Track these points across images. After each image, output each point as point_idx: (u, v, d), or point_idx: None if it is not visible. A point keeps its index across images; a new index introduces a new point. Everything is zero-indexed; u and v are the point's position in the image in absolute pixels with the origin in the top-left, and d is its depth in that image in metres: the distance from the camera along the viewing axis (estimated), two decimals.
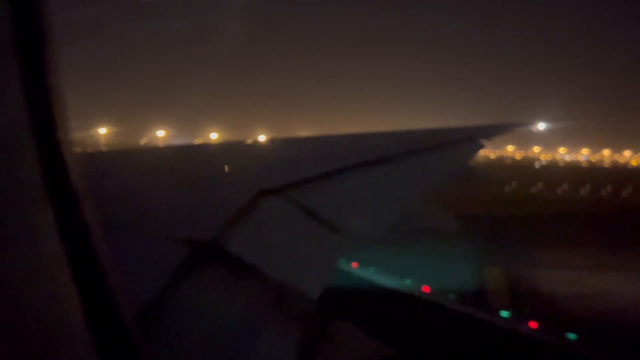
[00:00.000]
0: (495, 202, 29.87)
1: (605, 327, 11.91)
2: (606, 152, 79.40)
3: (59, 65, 1.26)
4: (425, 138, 4.91)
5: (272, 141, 7.44)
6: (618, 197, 38.16)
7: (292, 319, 1.99)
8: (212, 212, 2.39)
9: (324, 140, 5.50)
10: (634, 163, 73.81)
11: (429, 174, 3.89)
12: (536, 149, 78.73)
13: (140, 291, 1.60)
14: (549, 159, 76.65)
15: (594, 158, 78.35)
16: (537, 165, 68.32)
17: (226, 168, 3.45)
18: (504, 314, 12.65)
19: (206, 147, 5.68)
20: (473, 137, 5.26)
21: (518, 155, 76.00)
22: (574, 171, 55.55)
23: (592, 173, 55.10)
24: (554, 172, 53.48)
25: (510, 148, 76.58)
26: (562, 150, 78.37)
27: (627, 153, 77.86)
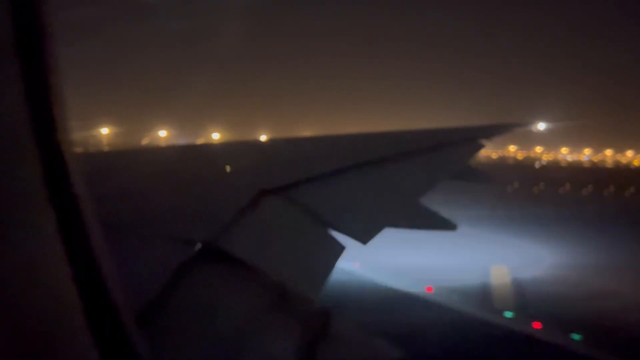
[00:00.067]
0: (497, 202, 29.83)
1: (609, 327, 11.88)
2: (608, 152, 79.31)
3: (61, 66, 1.26)
4: (425, 138, 4.90)
5: (272, 141, 7.44)
6: (620, 197, 38.10)
7: (293, 319, 1.99)
8: (212, 212, 2.39)
9: (324, 141, 5.50)
10: (636, 163, 73.72)
11: (429, 174, 3.89)
12: (538, 149, 78.69)
13: (140, 291, 1.60)
14: (551, 159, 76.61)
15: (597, 158, 78.26)
16: (536, 165, 68.24)
17: (228, 169, 3.46)
18: (508, 314, 12.63)
19: (206, 148, 5.69)
20: (473, 137, 5.25)
21: (520, 155, 75.94)
22: (576, 171, 55.48)
23: (595, 173, 55.01)
24: (556, 172, 53.42)
25: (512, 148, 76.57)
26: (564, 150, 78.33)
27: (629, 153, 77.77)
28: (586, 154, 78.69)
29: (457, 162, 4.66)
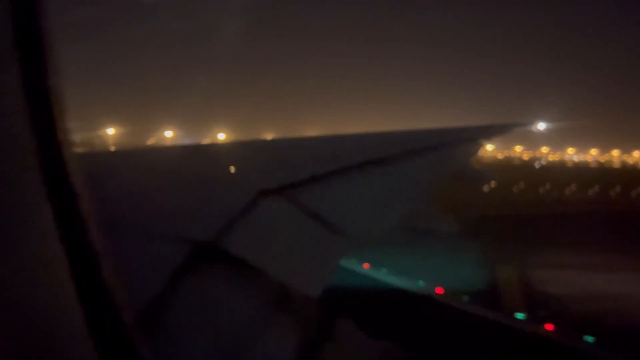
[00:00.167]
0: (503, 203, 29.75)
1: (622, 329, 11.78)
2: (615, 153, 78.86)
3: (68, 66, 1.27)
4: (425, 138, 4.90)
5: (272, 141, 7.44)
6: (628, 198, 37.90)
7: (294, 319, 1.99)
8: (212, 212, 2.40)
9: (324, 141, 5.50)
10: None
11: (429, 174, 3.89)
12: (544, 149, 78.37)
13: (140, 291, 1.60)
14: (557, 159, 76.26)
15: (603, 158, 77.84)
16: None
17: (232, 169, 3.46)
18: (520, 316, 12.55)
19: (206, 148, 5.70)
20: (473, 137, 5.24)
21: (526, 156, 75.62)
22: (582, 172, 55.23)
23: (601, 174, 54.74)
24: (562, 173, 53.18)
25: (518, 148, 76.27)
26: (570, 150, 77.93)
27: (636, 154, 77.29)
28: (593, 154, 78.28)
29: (458, 162, 4.66)
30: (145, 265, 1.83)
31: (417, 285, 14.72)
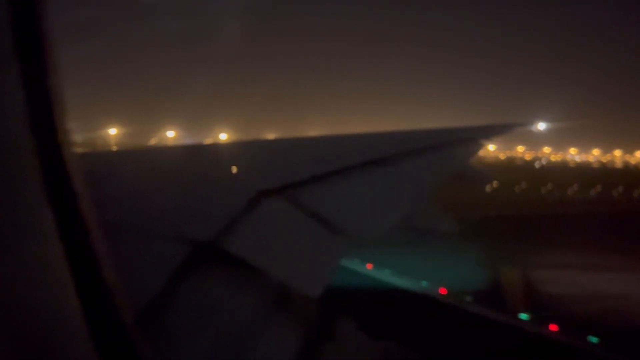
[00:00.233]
0: (504, 203, 29.71)
1: (627, 330, 11.74)
2: (617, 153, 78.73)
3: (65, 67, 1.27)
4: (425, 138, 4.89)
5: (273, 141, 7.44)
6: (630, 198, 37.81)
7: (295, 319, 1.99)
8: (212, 212, 2.40)
9: (324, 141, 5.50)
10: None
11: (429, 174, 3.89)
12: (546, 150, 78.28)
13: (140, 291, 1.60)
14: (559, 159, 76.16)
15: (605, 159, 77.71)
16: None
17: (232, 169, 3.46)
18: (523, 316, 12.51)
19: (207, 148, 5.70)
20: (473, 137, 5.24)
21: (528, 156, 75.51)
22: (584, 172, 55.12)
23: (603, 174, 54.63)
24: (564, 173, 53.08)
25: (520, 149, 76.19)
26: (572, 150, 77.85)
27: (638, 154, 77.15)
28: (595, 155, 78.16)
29: (458, 162, 4.65)
30: (145, 265, 1.83)
31: (421, 285, 14.68)
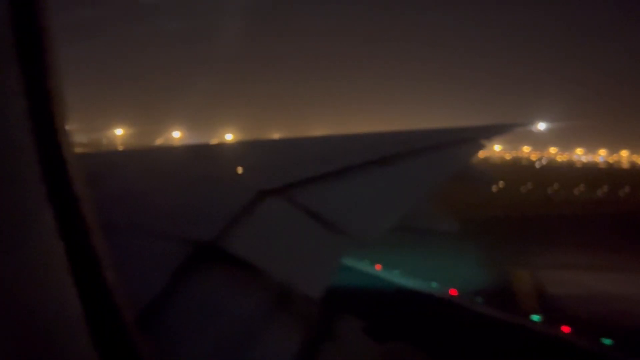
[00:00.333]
0: (511, 204, 29.62)
1: (638, 331, 11.65)
2: (624, 153, 78.35)
3: (70, 68, 1.27)
4: (425, 138, 4.88)
5: (273, 141, 7.44)
6: (637, 199, 37.59)
7: (295, 319, 1.98)
8: (212, 212, 2.40)
9: (324, 141, 5.49)
10: None
11: (429, 174, 3.88)
12: (553, 150, 78.06)
13: (141, 291, 1.60)
14: (565, 159, 75.88)
15: (612, 159, 77.36)
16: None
17: (232, 169, 3.46)
18: (535, 318, 12.45)
19: (207, 148, 5.70)
20: (473, 137, 5.22)
21: (534, 156, 75.26)
22: (591, 172, 54.85)
23: (610, 174, 54.36)
24: (570, 173, 52.87)
25: (526, 149, 76.00)
26: (579, 151, 77.59)
27: None
28: (601, 155, 77.81)
29: (458, 162, 4.64)
30: (146, 265, 1.83)
31: (431, 286, 14.64)
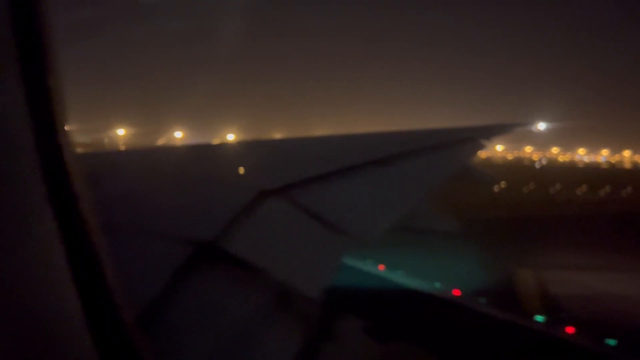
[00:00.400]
0: (513, 204, 29.59)
1: None
2: (627, 153, 78.20)
3: (63, 67, 1.27)
4: (425, 138, 4.88)
5: (272, 141, 7.43)
6: (639, 198, 37.52)
7: (295, 319, 1.98)
8: (213, 212, 2.40)
9: (324, 141, 5.49)
10: None
11: (429, 174, 3.88)
12: (555, 150, 77.96)
13: (141, 291, 1.60)
14: (567, 159, 75.79)
15: (614, 159, 77.22)
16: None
17: (233, 169, 3.46)
18: (539, 318, 12.42)
19: (208, 148, 5.70)
20: (473, 137, 5.22)
21: (536, 156, 75.17)
22: (593, 172, 54.76)
23: (612, 174, 54.25)
24: (571, 173, 52.79)
25: (528, 149, 75.92)
26: (581, 151, 77.49)
27: None
28: (603, 155, 77.69)
29: (458, 162, 4.63)
30: (146, 265, 1.83)
31: (434, 287, 14.61)
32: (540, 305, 13.33)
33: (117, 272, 1.30)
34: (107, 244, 1.29)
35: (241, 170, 3.43)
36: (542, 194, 36.66)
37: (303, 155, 4.02)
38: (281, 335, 1.89)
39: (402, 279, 15.06)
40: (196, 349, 1.63)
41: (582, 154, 77.37)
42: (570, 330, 11.58)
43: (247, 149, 4.74)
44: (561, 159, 76.37)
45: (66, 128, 1.26)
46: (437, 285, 14.46)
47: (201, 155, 4.12)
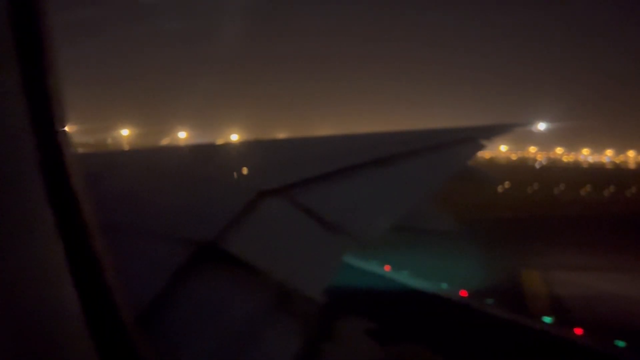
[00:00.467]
0: (516, 204, 29.53)
1: None
2: (631, 154, 77.97)
3: (66, 67, 1.27)
4: (425, 138, 4.87)
5: (272, 141, 7.42)
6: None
7: (295, 319, 1.98)
8: (212, 213, 2.39)
9: (324, 141, 5.48)
10: None
11: (429, 174, 3.87)
12: (559, 150, 77.82)
13: (141, 291, 1.60)
14: (571, 160, 75.62)
15: (619, 159, 77.01)
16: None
17: (232, 169, 3.46)
18: (547, 319, 12.38)
19: (208, 148, 5.70)
20: (473, 137, 5.21)
21: (540, 157, 75.03)
22: (597, 172, 54.62)
23: (617, 174, 54.09)
24: (575, 173, 52.67)
25: (532, 149, 75.81)
26: (585, 151, 77.32)
27: None
28: (608, 155, 77.49)
29: (458, 162, 4.62)
30: (145, 265, 1.83)
31: (440, 287, 14.57)
32: (546, 306, 13.28)
33: (117, 272, 1.30)
34: (107, 244, 1.29)
35: (241, 170, 3.42)
36: (546, 194, 36.52)
37: (303, 155, 4.02)
38: (281, 335, 1.88)
39: (407, 279, 15.03)
40: (196, 349, 1.62)
41: (586, 154, 77.22)
42: (578, 331, 11.52)
43: (248, 149, 4.74)
44: (565, 159, 76.22)
45: (66, 128, 1.26)
46: (444, 286, 14.43)
47: (201, 155, 4.12)
